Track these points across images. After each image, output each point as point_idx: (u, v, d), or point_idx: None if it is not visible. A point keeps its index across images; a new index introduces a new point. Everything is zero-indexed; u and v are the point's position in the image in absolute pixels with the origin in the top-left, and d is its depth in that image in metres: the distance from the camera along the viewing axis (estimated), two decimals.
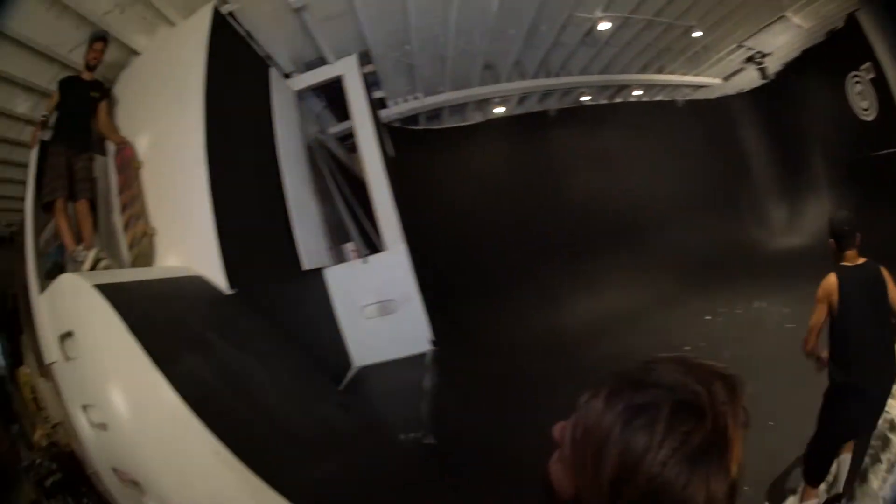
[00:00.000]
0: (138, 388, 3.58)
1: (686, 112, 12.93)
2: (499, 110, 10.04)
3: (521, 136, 10.39)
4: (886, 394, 4.18)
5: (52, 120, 5.63)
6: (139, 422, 3.59)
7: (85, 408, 3.82)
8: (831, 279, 4.18)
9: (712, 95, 13.59)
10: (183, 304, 4.81)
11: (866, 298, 4.12)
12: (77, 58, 5.71)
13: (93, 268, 4.94)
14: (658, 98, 12.67)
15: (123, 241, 5.55)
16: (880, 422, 4.55)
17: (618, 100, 11.85)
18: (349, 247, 7.51)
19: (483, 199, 9.68)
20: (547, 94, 10.19)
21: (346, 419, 5.58)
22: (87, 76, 5.75)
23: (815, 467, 4.33)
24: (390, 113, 8.59)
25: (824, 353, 4.19)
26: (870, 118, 10.36)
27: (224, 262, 5.16)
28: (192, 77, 5.76)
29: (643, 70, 10.51)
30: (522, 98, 10.08)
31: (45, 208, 5.41)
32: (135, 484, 3.57)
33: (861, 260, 4.20)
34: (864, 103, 10.38)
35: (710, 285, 10.32)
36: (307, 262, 6.59)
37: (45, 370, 4.64)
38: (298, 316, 6.41)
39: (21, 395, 6.21)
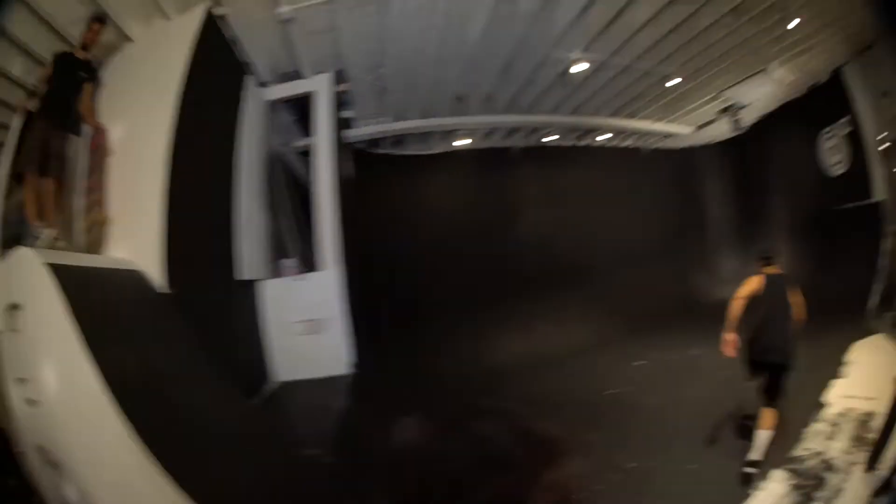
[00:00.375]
0: (68, 369, 3.80)
1: (650, 160, 13.32)
2: (463, 142, 10.14)
3: (482, 170, 10.63)
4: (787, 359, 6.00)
5: (42, 91, 5.78)
6: (64, 402, 3.77)
7: (20, 381, 3.96)
8: (759, 278, 6.30)
9: (680, 144, 13.92)
10: (121, 296, 4.99)
11: (779, 294, 6.16)
12: (74, 32, 5.91)
13: (49, 247, 5.09)
14: (625, 145, 12.88)
15: (81, 224, 5.74)
16: (816, 462, 5.55)
17: (583, 143, 12.04)
18: (288, 262, 7.58)
19: (436, 229, 9.93)
20: (513, 130, 10.35)
21: (255, 429, 5.80)
22: (80, 55, 5.93)
23: None
24: (356, 133, 8.76)
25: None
26: (839, 173, 10.81)
27: (165, 262, 5.39)
28: (172, 74, 6.02)
29: (613, 115, 10.64)
30: (489, 132, 10.22)
31: (16, 178, 5.61)
32: (56, 466, 3.72)
33: (777, 271, 6.42)
34: (834, 158, 10.82)
35: (648, 331, 10.57)
36: (245, 273, 6.80)
37: None
38: (229, 324, 6.61)
39: None
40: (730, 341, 6.15)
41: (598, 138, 12.15)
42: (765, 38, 8.28)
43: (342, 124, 8.52)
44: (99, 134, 5.99)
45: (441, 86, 8.27)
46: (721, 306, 11.15)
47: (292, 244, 8.51)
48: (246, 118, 7.32)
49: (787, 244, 12.03)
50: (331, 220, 7.42)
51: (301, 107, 8.39)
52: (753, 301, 6.14)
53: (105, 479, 3.78)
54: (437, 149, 10.20)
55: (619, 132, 11.96)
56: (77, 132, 5.94)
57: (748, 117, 12.33)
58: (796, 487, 5.29)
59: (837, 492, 5.07)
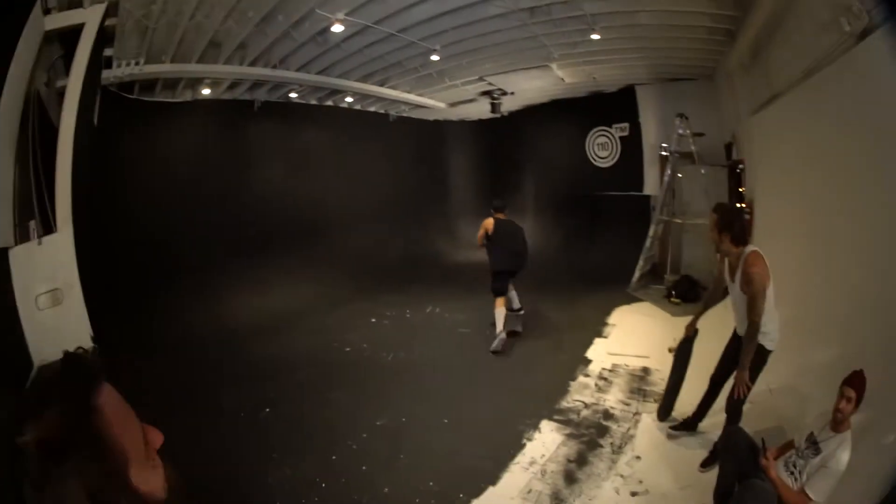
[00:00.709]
0: None
1: (398, 127, 13.21)
2: (206, 91, 8.98)
3: (223, 122, 9.62)
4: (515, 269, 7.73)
5: None
6: None
7: None
8: (491, 220, 7.47)
9: (430, 117, 13.91)
10: None
11: (508, 229, 7.58)
12: None
13: None
14: (372, 109, 12.45)
15: None
16: (590, 412, 5.53)
17: (328, 103, 11.33)
18: (33, 225, 6.15)
19: (173, 185, 8.80)
20: (258, 84, 9.26)
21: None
22: None
23: None
24: (109, 75, 7.26)
25: None
26: (604, 166, 12.51)
27: None
28: None
29: (364, 79, 9.86)
30: (234, 84, 9.08)
31: None
32: None
33: (504, 216, 7.61)
34: (603, 153, 12.40)
35: (385, 290, 10.45)
36: None
37: None
38: None
39: None
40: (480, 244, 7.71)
41: (347, 99, 11.54)
42: (558, 41, 8.05)
43: (105, 64, 7.23)
44: None
45: (201, 30, 7.24)
46: (460, 268, 12.40)
47: (38, 203, 6.63)
48: (19, 51, 5.75)
49: (553, 218, 13.51)
50: (67, 172, 6.15)
51: (71, 41, 6.79)
52: (490, 235, 7.47)
53: None
54: (183, 97, 8.93)
55: (369, 97, 11.38)
56: None
57: (511, 104, 12.75)
58: (572, 436, 5.07)
59: (627, 438, 5.00)
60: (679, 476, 4.30)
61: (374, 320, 8.80)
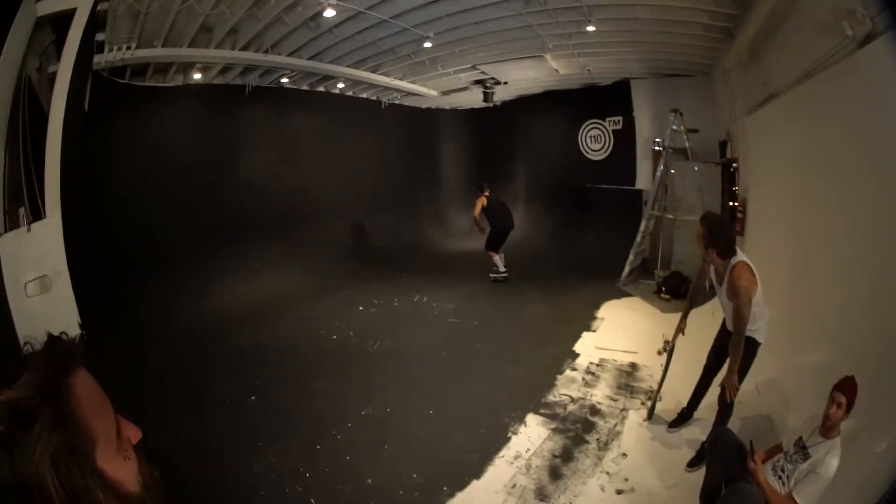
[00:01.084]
0: None
1: (389, 114, 13.10)
2: (197, 76, 8.88)
3: (214, 107, 9.52)
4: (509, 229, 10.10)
5: None
6: None
7: None
8: (483, 198, 9.85)
9: (423, 105, 13.85)
10: None
11: (498, 203, 10.15)
12: None
13: None
14: (363, 96, 12.34)
15: None
16: (576, 407, 5.50)
17: (320, 88, 11.23)
18: (22, 212, 6.06)
19: (162, 170, 8.70)
20: (250, 68, 9.21)
21: None
22: None
23: None
24: (101, 59, 7.17)
25: None
26: (596, 158, 12.45)
27: None
28: None
29: (356, 65, 9.77)
30: (225, 69, 9.02)
31: None
32: None
33: (489, 193, 9.95)
34: (595, 146, 12.33)
35: (373, 278, 10.42)
36: None
37: None
38: None
39: None
40: (478, 226, 10.05)
41: (339, 85, 11.41)
42: (553, 31, 7.95)
43: (97, 49, 7.09)
44: None
45: (193, 14, 7.11)
46: (450, 257, 12.60)
47: (28, 189, 6.53)
48: (11, 36, 5.76)
49: (543, 209, 13.61)
50: (56, 158, 6.00)
51: (63, 26, 6.66)
52: (485, 209, 9.88)
53: None
54: (174, 81, 8.78)
55: (361, 83, 11.27)
56: None
57: (504, 93, 12.75)
58: (558, 431, 5.05)
59: (614, 434, 4.98)
60: (665, 475, 4.29)
61: (361, 308, 8.73)
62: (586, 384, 5.93)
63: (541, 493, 4.13)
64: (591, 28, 7.40)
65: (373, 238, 12.34)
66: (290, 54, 8.67)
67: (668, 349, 4.95)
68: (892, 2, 3.24)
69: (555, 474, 4.37)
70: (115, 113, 7.66)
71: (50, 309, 5.67)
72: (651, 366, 6.11)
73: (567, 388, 5.86)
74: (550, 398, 5.64)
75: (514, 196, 13.89)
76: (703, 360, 4.70)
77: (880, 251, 3.52)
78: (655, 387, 5.28)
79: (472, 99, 12.70)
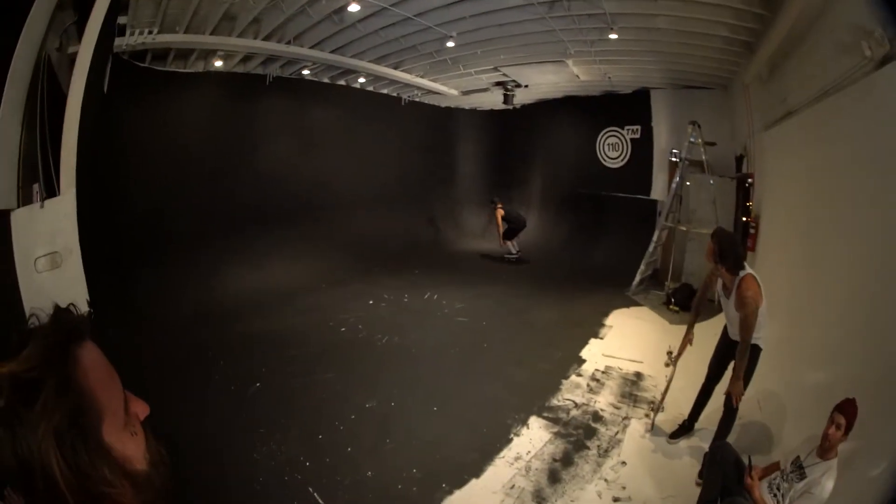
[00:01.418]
0: None
1: (409, 111, 13.13)
2: (218, 63, 8.92)
3: (233, 95, 9.56)
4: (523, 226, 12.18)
5: None
6: None
7: None
8: (501, 210, 11.98)
9: (443, 104, 13.91)
10: None
11: (514, 211, 12.31)
12: None
13: None
14: (384, 91, 12.39)
15: None
16: (579, 413, 5.52)
17: (341, 82, 11.26)
18: (36, 188, 5.98)
19: (178, 155, 8.75)
20: (271, 59, 9.23)
21: None
22: None
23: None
24: (122, 43, 7.20)
25: None
26: (613, 166, 12.51)
27: None
28: None
29: (378, 61, 9.81)
30: (246, 58, 9.06)
31: None
32: None
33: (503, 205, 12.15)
34: (613, 154, 12.36)
35: (385, 273, 10.51)
36: None
37: None
38: None
39: None
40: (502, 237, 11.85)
41: (360, 80, 11.44)
42: (575, 37, 7.95)
43: (115, 31, 7.00)
44: None
45: (217, 2, 7.18)
46: (463, 256, 12.76)
47: (43, 166, 6.62)
48: (32, 14, 5.54)
49: (558, 214, 13.71)
50: (73, 138, 5.87)
51: (85, 6, 6.62)
52: (504, 217, 11.73)
53: None
54: (194, 68, 8.85)
55: (382, 79, 11.24)
56: None
57: (524, 96, 12.54)
58: (560, 435, 5.07)
59: (615, 442, 4.99)
60: (663, 485, 4.30)
61: (371, 302, 8.77)
62: (591, 390, 5.95)
63: (538, 496, 4.15)
64: (613, 36, 7.40)
65: (386, 233, 12.38)
66: (312, 46, 8.71)
67: (674, 359, 4.96)
68: None
69: (554, 478, 4.39)
70: (134, 96, 7.72)
71: (59, 285, 5.70)
72: (656, 376, 6.13)
73: (571, 393, 5.87)
74: (554, 402, 5.66)
75: (528, 200, 14.09)
76: (704, 372, 4.74)
77: (888, 277, 3.52)
78: (658, 398, 5.33)
79: (493, 100, 12.73)
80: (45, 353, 0.84)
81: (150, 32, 7.14)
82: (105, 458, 0.85)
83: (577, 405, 5.60)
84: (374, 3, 7.06)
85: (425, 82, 11.21)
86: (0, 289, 5.29)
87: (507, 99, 11.72)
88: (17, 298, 5.13)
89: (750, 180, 8.02)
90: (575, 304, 9.01)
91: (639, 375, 6.34)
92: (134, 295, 7.27)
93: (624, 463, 4.61)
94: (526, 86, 11.45)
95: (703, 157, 8.99)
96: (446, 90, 11.98)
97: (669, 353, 5.08)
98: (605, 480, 4.37)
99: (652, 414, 5.23)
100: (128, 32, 7.06)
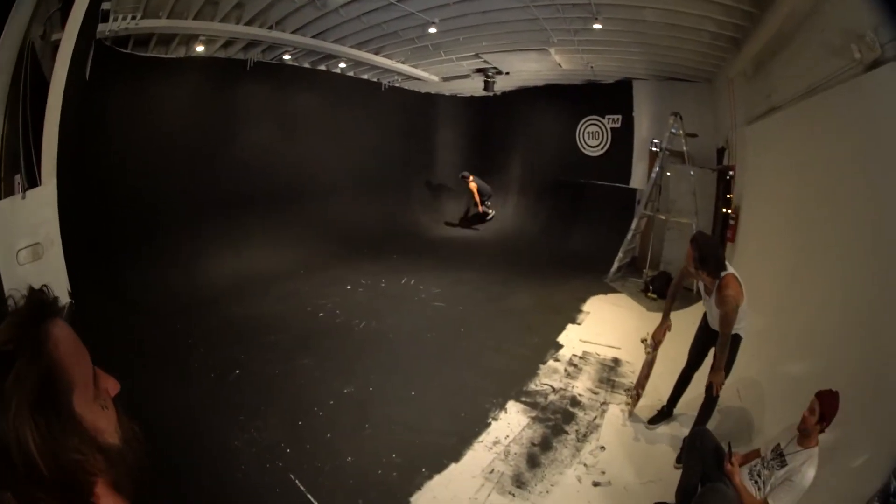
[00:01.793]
0: None
1: (389, 97, 13.05)
2: (200, 49, 8.78)
3: (214, 81, 9.45)
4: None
5: None
6: None
7: None
8: (473, 182, 13.31)
9: (423, 89, 13.82)
10: None
11: (483, 182, 13.72)
12: None
13: None
14: (364, 77, 12.33)
15: None
16: (557, 397, 5.56)
17: (321, 67, 11.15)
18: (18, 179, 5.99)
19: (159, 142, 8.63)
20: (253, 43, 9.15)
21: None
22: None
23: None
24: (105, 29, 7.04)
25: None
26: (593, 154, 12.56)
27: None
28: None
29: (360, 46, 9.76)
30: (228, 43, 8.94)
31: None
32: None
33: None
34: (593, 142, 12.41)
35: (363, 258, 10.52)
36: None
37: None
38: None
39: None
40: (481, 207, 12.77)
41: (340, 65, 11.34)
42: (559, 26, 7.93)
43: (102, 18, 6.97)
44: None
45: None
46: (440, 242, 12.81)
47: (25, 156, 6.46)
48: (18, 2, 5.64)
49: (537, 201, 13.71)
50: (55, 126, 5.95)
51: None
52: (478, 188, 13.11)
53: None
54: (176, 53, 8.65)
55: (362, 64, 11.15)
56: None
57: (505, 83, 12.40)
58: (538, 420, 5.12)
59: (593, 427, 5.05)
60: (642, 471, 4.36)
61: (349, 287, 8.75)
62: (568, 375, 6.00)
63: (518, 480, 4.19)
64: (597, 26, 7.41)
65: (365, 218, 12.34)
66: (294, 31, 8.63)
67: (654, 347, 4.96)
68: None
69: (532, 462, 4.43)
70: (116, 83, 7.62)
71: (41, 277, 5.53)
72: (633, 362, 6.18)
73: (549, 378, 5.92)
74: (532, 387, 5.70)
75: (508, 186, 14.17)
76: (682, 359, 4.81)
77: (867, 267, 3.59)
78: (635, 384, 5.35)
79: (473, 87, 12.66)
80: (18, 328, 0.88)
81: (133, 18, 7.02)
82: (76, 428, 0.88)
83: (554, 390, 5.64)
84: None
85: (406, 68, 11.15)
86: None
87: (487, 85, 11.68)
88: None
89: (731, 172, 8.10)
90: (553, 290, 9.05)
91: (616, 361, 6.40)
92: (115, 283, 7.20)
93: (603, 448, 4.66)
94: (507, 73, 11.42)
95: (684, 148, 9.05)
96: (427, 76, 11.90)
97: (644, 340, 5.10)
98: (585, 465, 4.42)
99: (631, 402, 5.28)
100: (111, 18, 6.94)
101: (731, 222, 7.44)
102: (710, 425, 4.26)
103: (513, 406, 5.30)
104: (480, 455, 4.52)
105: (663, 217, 9.30)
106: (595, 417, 5.16)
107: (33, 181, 6.03)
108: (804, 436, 3.03)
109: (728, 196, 8.13)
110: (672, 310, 4.84)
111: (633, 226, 9.77)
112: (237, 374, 5.74)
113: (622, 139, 11.79)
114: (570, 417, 5.13)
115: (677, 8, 6.51)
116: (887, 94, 3.51)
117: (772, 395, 4.51)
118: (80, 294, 5.66)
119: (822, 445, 3.01)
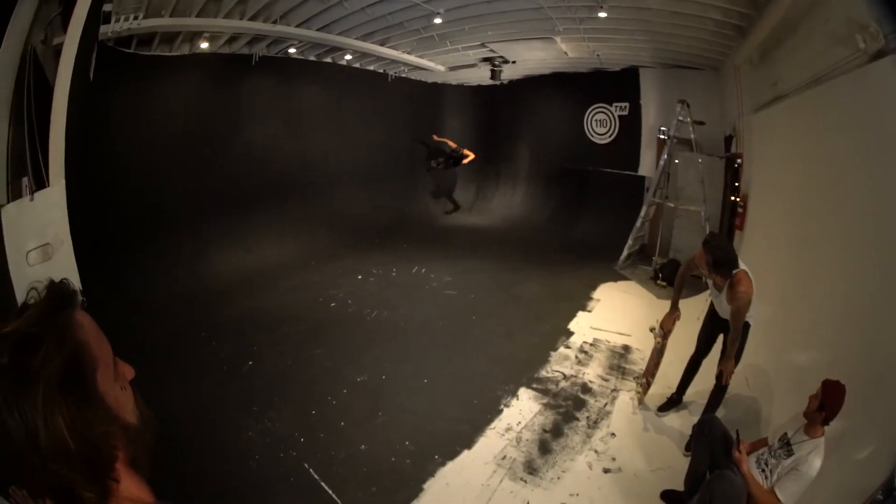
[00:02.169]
0: None
1: (396, 87, 13.03)
2: (204, 45, 8.78)
3: (219, 76, 9.46)
4: None
5: None
6: None
7: None
8: (471, 154, 11.55)
9: (429, 80, 13.81)
10: None
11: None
12: None
13: None
14: (370, 68, 12.30)
15: None
16: (568, 384, 5.62)
17: (327, 60, 11.14)
18: (25, 181, 6.05)
19: (165, 140, 8.66)
20: (257, 38, 9.15)
21: None
22: None
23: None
24: (107, 30, 7.06)
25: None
26: (601, 142, 12.48)
27: None
28: None
29: (365, 38, 9.74)
30: (232, 38, 8.95)
31: None
32: None
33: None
34: (601, 130, 12.34)
35: (373, 248, 10.56)
36: None
37: None
38: None
39: None
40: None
41: (346, 57, 11.31)
42: (564, 14, 7.85)
43: (104, 19, 6.97)
44: None
45: None
46: (450, 231, 12.71)
47: (32, 158, 6.50)
48: (18, 8, 5.77)
49: (545, 189, 13.70)
50: (61, 128, 5.91)
51: None
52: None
53: None
54: (180, 51, 8.65)
55: (368, 56, 11.13)
56: None
57: (511, 72, 12.29)
58: (549, 406, 5.18)
59: (604, 413, 5.11)
60: (652, 457, 4.41)
61: (360, 277, 8.81)
62: (579, 362, 6.05)
63: (529, 467, 4.26)
64: (602, 14, 7.39)
65: (374, 209, 12.38)
66: (298, 25, 8.61)
67: (664, 336, 5.00)
68: None
69: (544, 449, 4.50)
70: (120, 83, 7.65)
71: (51, 276, 5.65)
72: (643, 349, 6.20)
73: (560, 364, 5.98)
74: (543, 374, 5.76)
75: (516, 175, 14.18)
76: (691, 346, 4.86)
77: (875, 258, 3.62)
78: (644, 371, 5.39)
79: (480, 76, 12.61)
80: (43, 314, 0.93)
81: (135, 18, 7.05)
82: (101, 404, 0.94)
83: (565, 377, 5.70)
84: None
85: (412, 58, 11.12)
86: None
87: (494, 74, 11.63)
88: (9, 293, 5.14)
89: (739, 160, 8.09)
90: (563, 277, 9.09)
91: (626, 348, 6.45)
92: (125, 280, 7.27)
93: (613, 434, 4.73)
94: (513, 62, 11.36)
95: (692, 136, 9.02)
96: (433, 66, 11.88)
97: (652, 329, 5.15)
98: (595, 451, 4.48)
99: (640, 391, 5.31)
100: (113, 19, 6.97)
101: (740, 210, 7.45)
102: (719, 412, 4.32)
103: (524, 393, 5.37)
104: (492, 442, 4.59)
105: (672, 205, 9.31)
106: (606, 404, 5.21)
107: (41, 183, 6.14)
108: (810, 423, 3.07)
109: (736, 184, 8.12)
110: (680, 298, 4.87)
111: (643, 213, 9.78)
112: (250, 366, 5.82)
113: (630, 127, 11.73)
114: (580, 404, 5.20)
115: None
116: (892, 85, 3.52)
117: (778, 384, 4.55)
118: (91, 293, 5.67)
119: (828, 436, 3.05)
